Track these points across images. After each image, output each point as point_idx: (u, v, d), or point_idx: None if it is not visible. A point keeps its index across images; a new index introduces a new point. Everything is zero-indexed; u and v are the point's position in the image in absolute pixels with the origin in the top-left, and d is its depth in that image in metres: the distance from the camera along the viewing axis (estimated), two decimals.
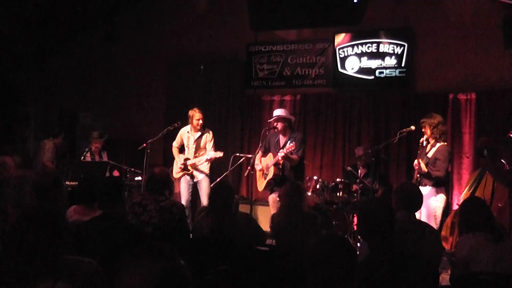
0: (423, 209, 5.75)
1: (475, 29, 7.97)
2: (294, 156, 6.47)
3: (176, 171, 7.44)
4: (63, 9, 9.22)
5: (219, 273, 3.13)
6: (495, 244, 3.60)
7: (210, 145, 7.34)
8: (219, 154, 7.19)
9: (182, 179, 7.41)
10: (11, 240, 2.25)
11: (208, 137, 7.39)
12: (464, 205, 4.05)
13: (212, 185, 4.82)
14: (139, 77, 10.15)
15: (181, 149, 7.59)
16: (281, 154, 6.35)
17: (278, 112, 6.84)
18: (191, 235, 4.63)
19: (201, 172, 7.35)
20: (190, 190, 7.40)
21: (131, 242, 3.45)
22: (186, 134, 7.45)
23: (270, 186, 6.78)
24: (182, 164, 7.34)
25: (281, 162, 6.54)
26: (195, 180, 7.37)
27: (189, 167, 7.32)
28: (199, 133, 7.37)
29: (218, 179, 7.19)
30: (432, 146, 5.96)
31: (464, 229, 3.80)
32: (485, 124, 7.81)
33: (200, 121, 7.28)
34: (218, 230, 4.20)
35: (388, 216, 3.05)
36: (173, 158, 7.65)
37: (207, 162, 7.30)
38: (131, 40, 10.13)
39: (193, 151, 7.36)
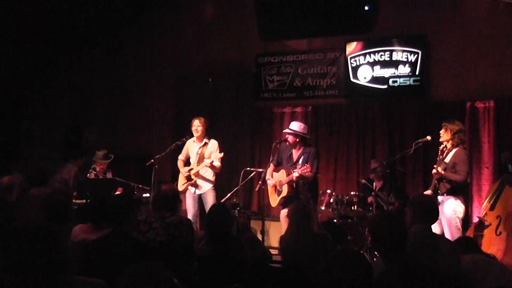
0: (442, 220, 5.77)
1: (492, 34, 7.98)
2: (309, 174, 6.50)
3: (181, 184, 7.49)
4: (67, 23, 9.34)
5: None
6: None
7: (215, 155, 7.32)
8: (219, 155, 7.21)
9: (188, 194, 7.42)
10: (15, 260, 2.29)
11: (213, 147, 7.40)
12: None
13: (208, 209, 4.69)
14: (145, 91, 10.24)
15: (187, 163, 7.65)
16: (295, 174, 6.39)
17: (293, 125, 6.86)
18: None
19: (206, 180, 7.36)
20: (197, 205, 7.43)
21: (139, 260, 3.49)
22: (192, 144, 7.53)
23: (282, 202, 6.81)
24: (186, 173, 7.39)
25: (295, 180, 6.58)
26: (199, 192, 7.36)
27: (193, 176, 7.37)
28: (203, 142, 7.45)
29: (224, 199, 7.25)
30: (449, 150, 5.99)
31: None
32: (505, 133, 7.80)
33: (199, 128, 7.33)
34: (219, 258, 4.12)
35: (398, 230, 3.08)
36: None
37: (211, 172, 7.34)
38: (137, 53, 10.25)
39: (197, 161, 7.41)
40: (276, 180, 6.90)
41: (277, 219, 7.73)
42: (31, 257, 2.24)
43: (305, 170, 6.31)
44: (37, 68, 10.35)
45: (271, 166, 7.03)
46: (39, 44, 9.59)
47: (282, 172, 6.83)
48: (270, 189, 7.07)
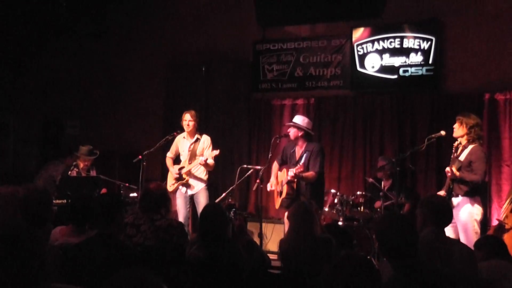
0: (458, 224, 5.77)
1: None
2: (309, 173, 6.51)
3: (170, 183, 7.54)
4: (46, 4, 9.30)
5: None
6: None
7: (207, 152, 7.41)
8: (215, 152, 7.27)
9: (178, 194, 7.50)
10: None
11: (205, 143, 7.51)
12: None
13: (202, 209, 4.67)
14: (133, 81, 10.23)
15: (177, 161, 7.69)
16: (290, 174, 6.44)
17: (297, 119, 6.91)
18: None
19: (198, 180, 7.45)
20: (188, 206, 7.49)
21: (126, 266, 3.50)
22: (182, 140, 7.59)
23: (285, 204, 6.85)
24: (176, 174, 7.44)
25: (294, 180, 6.61)
26: (191, 192, 7.46)
27: (184, 175, 7.41)
28: (195, 138, 7.49)
29: (219, 199, 7.27)
30: (465, 147, 5.97)
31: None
32: None
33: (190, 123, 7.42)
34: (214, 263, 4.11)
35: (408, 233, 3.09)
36: None
37: (204, 170, 7.41)
38: (124, 38, 10.23)
39: (188, 158, 7.47)
40: (279, 180, 6.95)
41: (276, 221, 7.79)
42: (3, 263, 2.24)
43: (299, 170, 6.35)
44: (12, 55, 10.30)
45: (276, 165, 7.07)
46: (15, 28, 9.54)
47: (284, 171, 6.88)
48: (275, 190, 7.12)
